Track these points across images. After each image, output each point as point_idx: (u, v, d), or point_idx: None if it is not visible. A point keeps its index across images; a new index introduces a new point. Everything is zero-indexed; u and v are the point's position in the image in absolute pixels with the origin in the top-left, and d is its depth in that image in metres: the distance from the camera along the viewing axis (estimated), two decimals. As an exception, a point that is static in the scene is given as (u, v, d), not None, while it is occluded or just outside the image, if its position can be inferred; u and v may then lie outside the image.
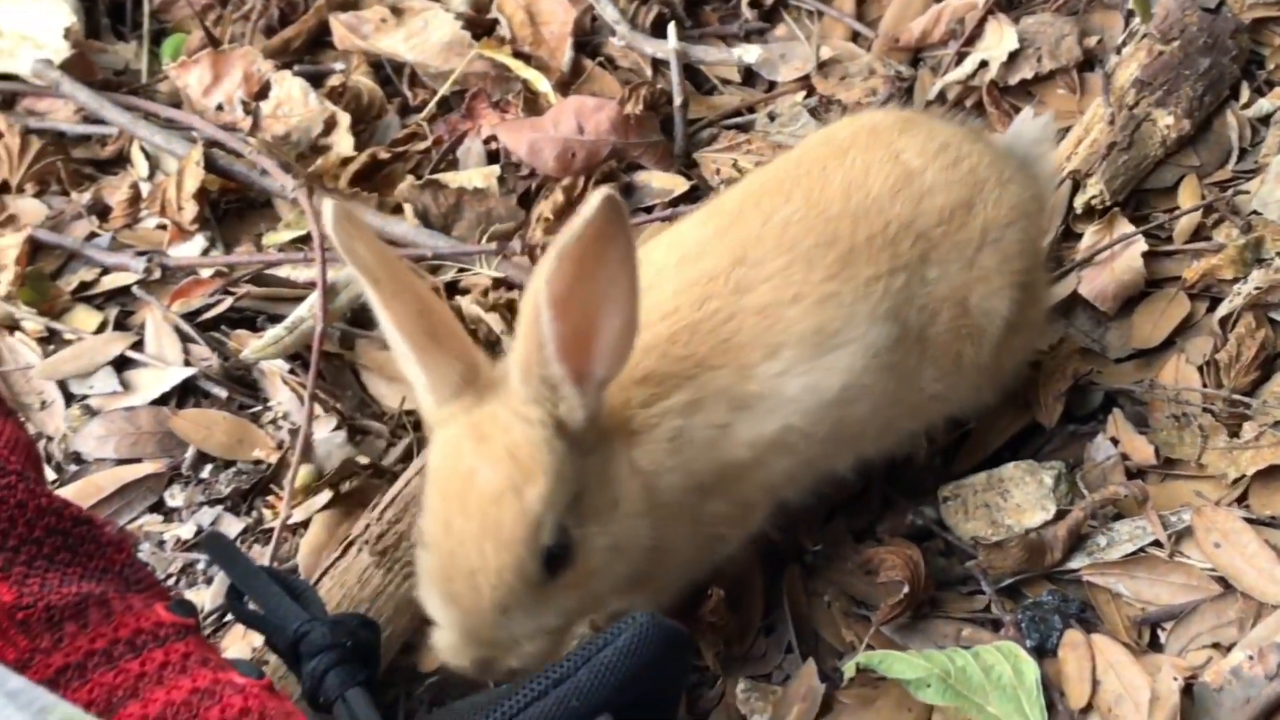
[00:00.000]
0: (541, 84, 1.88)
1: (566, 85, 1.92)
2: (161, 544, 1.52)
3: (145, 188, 1.87)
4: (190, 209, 1.80)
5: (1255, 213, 1.67)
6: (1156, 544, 1.41)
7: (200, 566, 1.51)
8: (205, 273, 1.77)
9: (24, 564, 1.06)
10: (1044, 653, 1.34)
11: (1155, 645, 1.35)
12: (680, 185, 1.82)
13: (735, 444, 1.25)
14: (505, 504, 1.10)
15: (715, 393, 1.24)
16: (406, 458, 1.56)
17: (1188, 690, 1.30)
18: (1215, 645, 1.34)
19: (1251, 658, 1.31)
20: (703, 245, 1.28)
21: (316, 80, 1.96)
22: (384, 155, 1.87)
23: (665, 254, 1.29)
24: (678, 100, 1.85)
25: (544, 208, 1.77)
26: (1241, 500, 1.45)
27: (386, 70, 2.01)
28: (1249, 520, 1.42)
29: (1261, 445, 1.47)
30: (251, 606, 1.18)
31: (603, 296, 1.12)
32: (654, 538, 1.21)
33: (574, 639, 1.26)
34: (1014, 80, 1.85)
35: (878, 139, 1.34)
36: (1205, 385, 1.54)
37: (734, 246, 1.26)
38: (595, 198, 1.06)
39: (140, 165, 1.90)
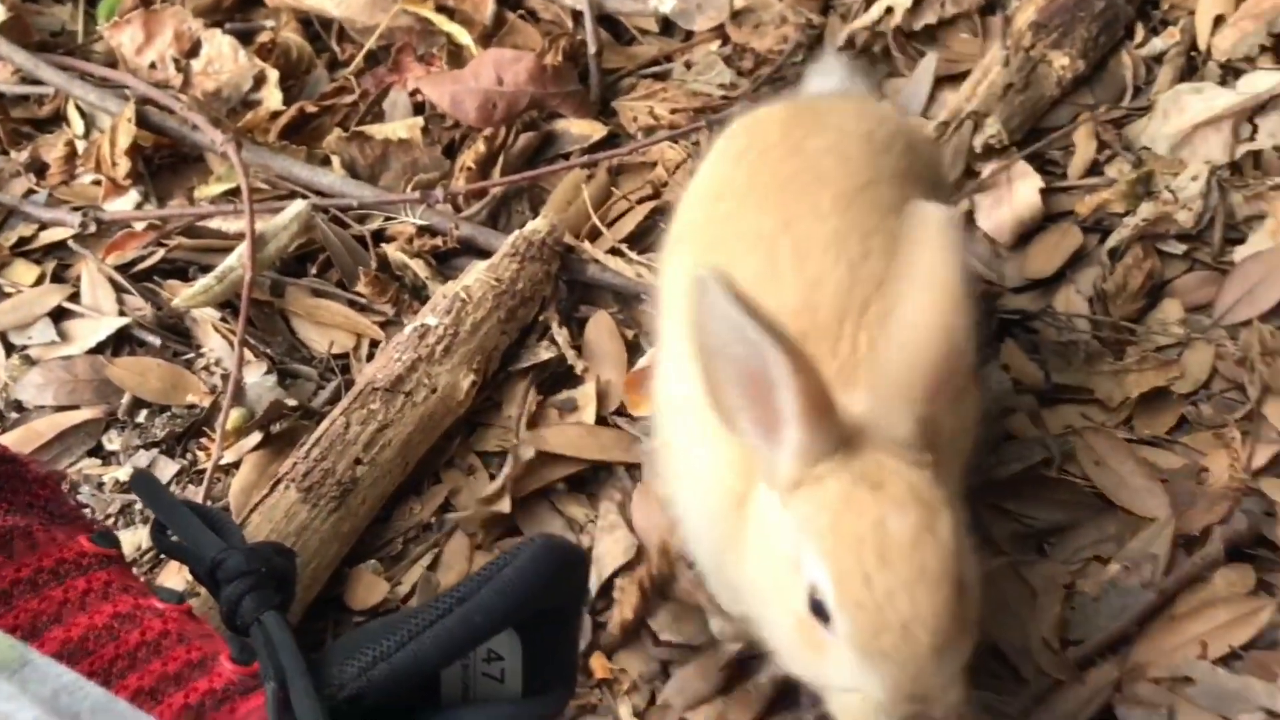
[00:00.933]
0: (464, 37, 1.94)
1: (489, 38, 1.97)
2: (100, 486, 1.58)
3: (81, 145, 1.91)
4: (124, 165, 1.85)
5: (1145, 148, 1.74)
6: (1045, 463, 1.50)
7: (138, 507, 1.57)
8: (139, 226, 1.81)
9: (-49, 501, 1.13)
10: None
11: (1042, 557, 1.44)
12: (598, 131, 1.88)
13: None
14: (925, 546, 1.06)
15: None
16: (334, 400, 1.60)
17: (1068, 599, 1.40)
18: (1096, 558, 1.42)
19: (1127, 568, 1.40)
20: None
21: (246, 38, 2.00)
22: (312, 109, 1.92)
23: None
24: (592, 49, 1.91)
25: (467, 157, 1.83)
26: (1126, 422, 1.53)
27: (315, 26, 2.05)
28: (1131, 440, 1.50)
29: (1145, 369, 1.55)
30: (175, 539, 1.25)
31: None
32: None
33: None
34: (918, 25, 1.91)
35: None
36: (1094, 313, 1.62)
37: None
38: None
39: (76, 123, 1.94)
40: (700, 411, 1.16)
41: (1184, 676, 1.32)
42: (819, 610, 1.07)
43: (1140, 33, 1.86)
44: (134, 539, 1.51)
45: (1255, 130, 1.71)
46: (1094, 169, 1.76)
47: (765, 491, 1.14)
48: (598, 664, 1.39)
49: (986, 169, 1.75)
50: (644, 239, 1.77)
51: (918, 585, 1.05)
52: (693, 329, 1.09)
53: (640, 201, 1.81)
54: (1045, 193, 1.72)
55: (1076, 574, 1.40)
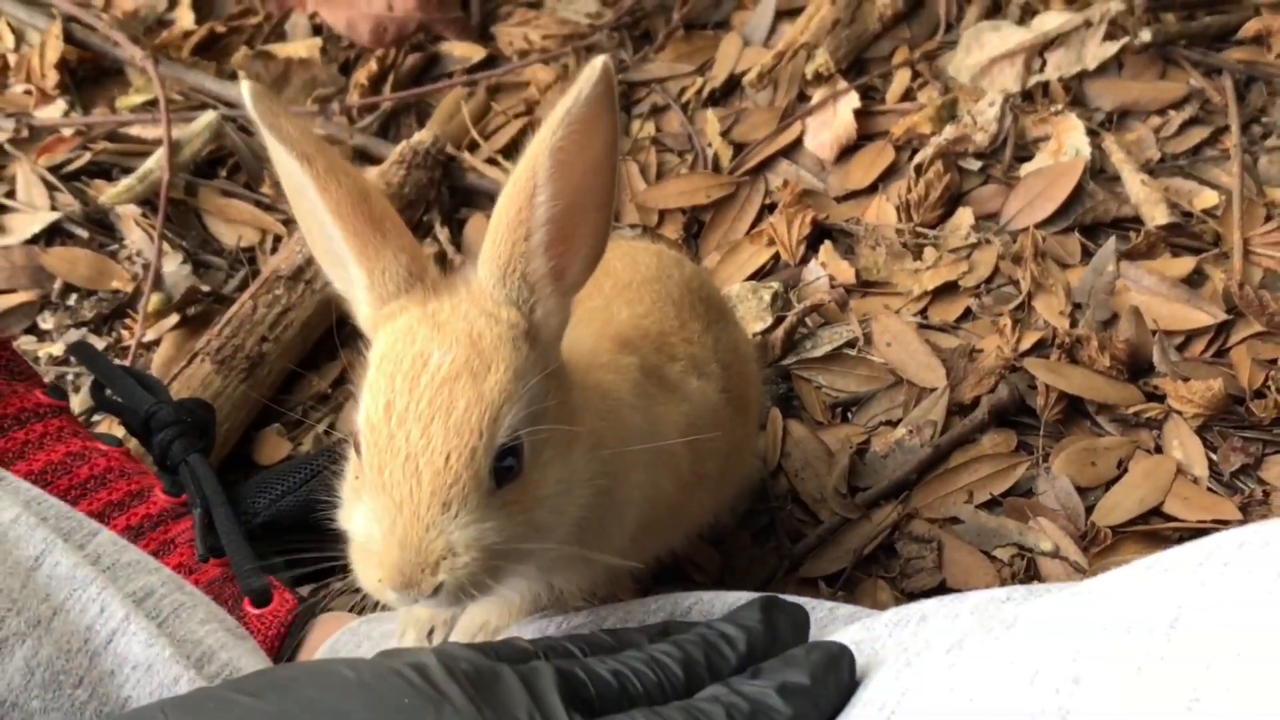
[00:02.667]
0: (358, -34, 2.16)
1: (381, -33, 2.19)
2: (36, 360, 1.78)
3: (12, 59, 2.09)
4: (52, 76, 2.03)
5: (952, 78, 2.00)
6: (850, 344, 1.75)
7: (69, 378, 1.78)
8: (67, 132, 1.99)
9: (-73, 363, 1.34)
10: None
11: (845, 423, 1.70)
12: (479, 54, 2.09)
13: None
14: (461, 386, 0.95)
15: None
16: (242, 287, 1.81)
17: (860, 455, 1.66)
18: (887, 423, 1.68)
19: (911, 431, 1.66)
20: None
21: (161, -38, 2.20)
22: (221, 29, 2.12)
23: None
24: (474, -20, 2.14)
25: (360, 75, 2.04)
26: (922, 311, 1.79)
27: (224, -46, 2.26)
28: (925, 326, 1.76)
29: (939, 267, 1.80)
30: (112, 397, 1.46)
31: (589, 182, 0.98)
32: (607, 489, 1.08)
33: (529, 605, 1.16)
34: (764, -36, 2.15)
35: None
36: (900, 220, 1.87)
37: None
38: (595, 64, 0.93)
39: (7, 38, 2.12)
40: None
41: (952, 517, 1.55)
42: (358, 446, 0.99)
43: (954, -26, 2.11)
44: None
45: (1044, 64, 1.95)
46: (908, 96, 1.99)
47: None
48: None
49: (816, 95, 1.99)
50: (517, 150, 1.98)
51: (436, 420, 0.95)
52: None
53: (515, 117, 2.02)
54: (865, 115, 1.96)
55: (869, 435, 1.67)
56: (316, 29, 2.14)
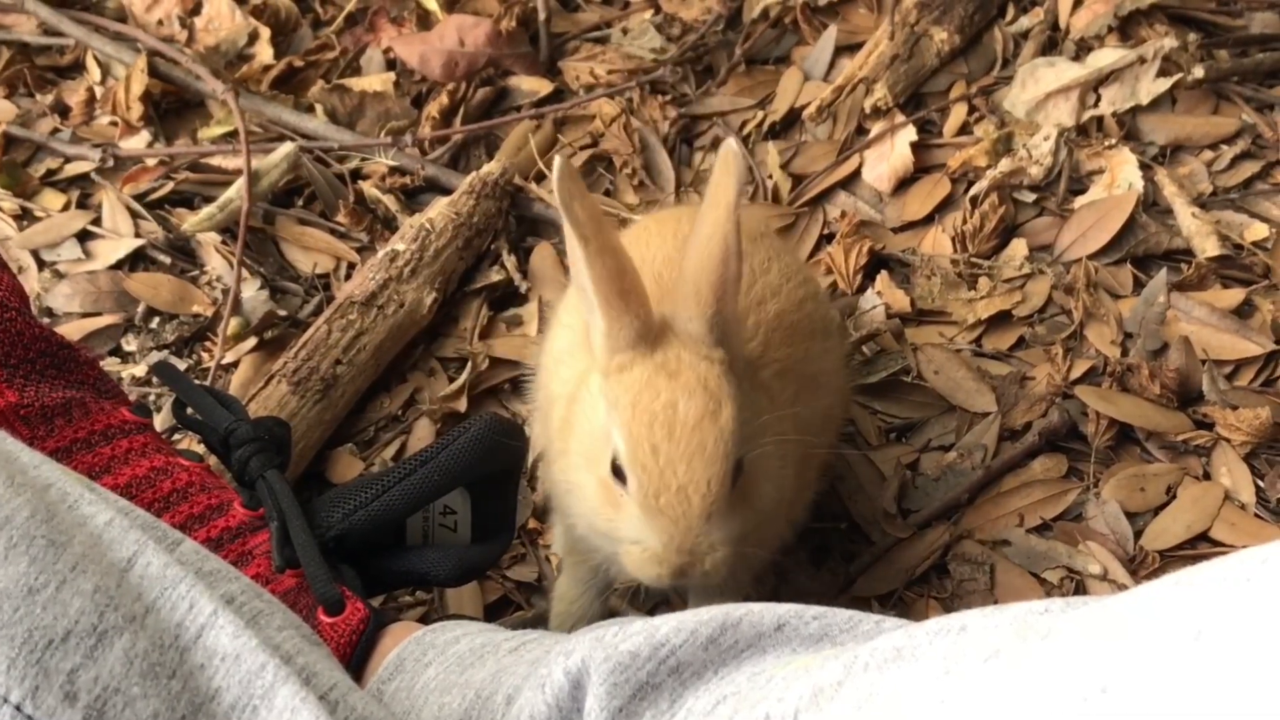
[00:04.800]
0: (431, 3, 2.21)
1: (454, 3, 2.25)
2: (120, 380, 1.85)
3: (99, 91, 2.16)
4: (137, 109, 2.11)
5: (1008, 112, 2.04)
6: (905, 371, 1.80)
7: (151, 399, 1.85)
8: (150, 162, 2.06)
9: (23, 377, 1.38)
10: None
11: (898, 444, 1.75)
12: (545, 88, 2.15)
13: None
14: (706, 425, 1.23)
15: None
16: (317, 312, 1.87)
17: (913, 479, 1.70)
18: (939, 448, 1.72)
19: (961, 455, 1.70)
20: None
21: (242, -1, 2.29)
22: (299, 63, 2.19)
23: None
24: (542, 16, 2.19)
25: (432, 108, 2.11)
26: (978, 341, 1.84)
27: (301, -10, 2.33)
28: (978, 354, 1.81)
29: (994, 297, 1.85)
30: (192, 415, 1.52)
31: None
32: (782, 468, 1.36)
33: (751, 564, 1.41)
34: (823, 2, 2.20)
35: None
36: (955, 250, 1.91)
37: None
38: (730, 146, 1.25)
39: (94, 72, 2.19)
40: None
41: (1003, 540, 1.60)
42: (618, 473, 1.26)
43: (1011, 12, 2.15)
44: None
45: (1098, 99, 2.00)
46: (964, 129, 2.03)
47: (593, 379, 1.31)
48: (530, 522, 1.69)
49: (874, 128, 2.04)
50: (582, 181, 2.05)
51: (695, 458, 1.23)
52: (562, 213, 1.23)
53: (581, 149, 2.08)
54: (922, 148, 2.01)
55: (921, 459, 1.71)
56: (390, 63, 2.21)
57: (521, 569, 1.66)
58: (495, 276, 1.93)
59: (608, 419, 1.28)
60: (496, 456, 1.44)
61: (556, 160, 1.22)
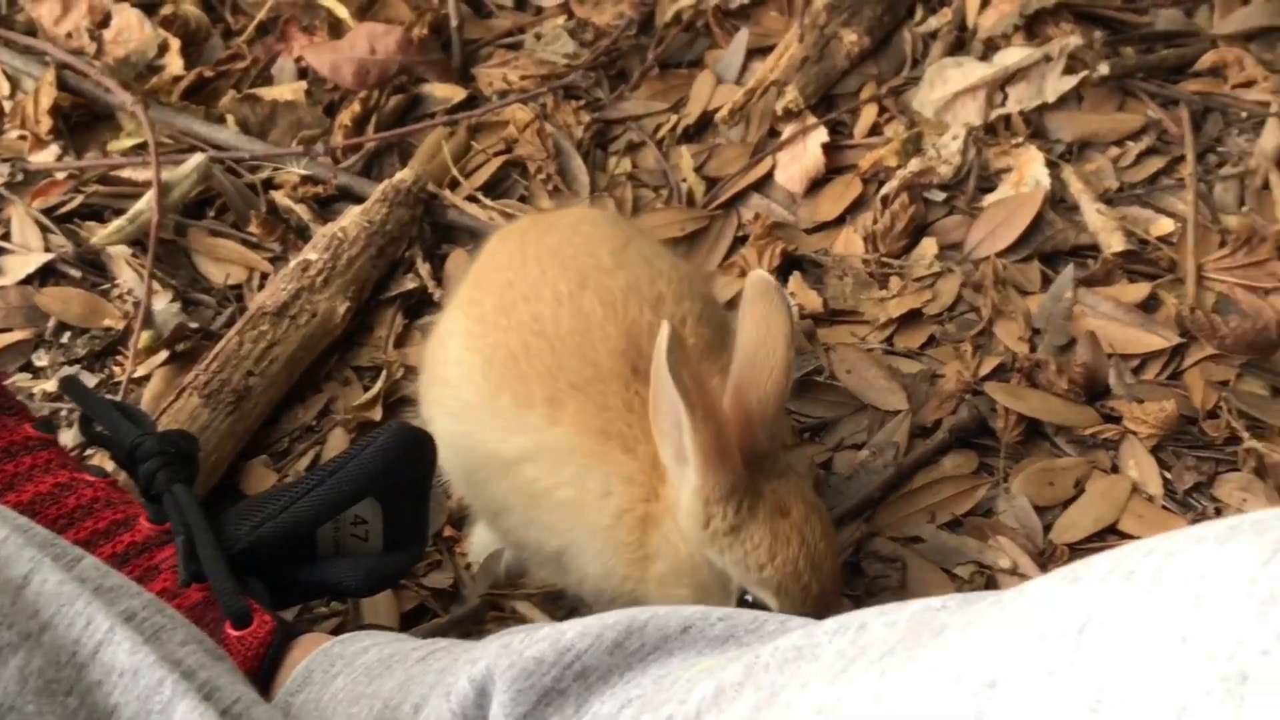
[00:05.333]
0: (342, 11, 2.20)
1: (365, 11, 2.24)
2: (31, 396, 1.83)
3: (8, 105, 2.14)
4: (46, 122, 2.08)
5: (917, 112, 2.06)
6: (818, 372, 1.81)
7: (63, 414, 1.83)
8: (60, 175, 2.04)
9: (-77, 397, 1.39)
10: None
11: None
12: (459, 94, 2.15)
13: None
14: (830, 539, 1.32)
15: None
16: (230, 323, 1.85)
17: (825, 478, 1.71)
18: (852, 446, 1.73)
19: (873, 453, 1.72)
20: None
21: (151, 10, 2.24)
22: (209, 74, 2.17)
23: None
24: (455, 23, 2.19)
25: (344, 116, 2.09)
26: (889, 340, 1.85)
27: (211, 1, 2.30)
28: (890, 353, 1.83)
29: (904, 295, 1.86)
30: (100, 430, 1.50)
31: None
32: None
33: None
34: (734, 4, 2.20)
35: None
36: (867, 251, 1.93)
37: None
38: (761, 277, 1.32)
39: (2, 86, 2.17)
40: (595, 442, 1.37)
41: (915, 537, 1.61)
42: (758, 607, 1.29)
43: (920, 13, 2.16)
44: (60, 439, 1.77)
45: (1005, 98, 2.02)
46: (875, 130, 2.05)
47: (674, 527, 1.32)
48: (446, 529, 1.69)
49: (786, 130, 2.05)
50: (497, 188, 2.04)
51: (835, 572, 1.33)
52: (655, 365, 1.24)
53: (495, 155, 2.07)
54: (833, 149, 2.01)
55: (834, 458, 1.72)
56: (302, 72, 2.19)
57: (437, 576, 1.66)
58: (410, 284, 1.93)
59: (735, 578, 1.31)
60: (406, 465, 1.44)
61: (664, 327, 1.21)
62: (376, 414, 1.79)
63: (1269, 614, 0.81)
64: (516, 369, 1.40)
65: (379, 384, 1.81)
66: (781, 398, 1.32)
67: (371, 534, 1.46)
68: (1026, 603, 0.95)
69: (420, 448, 1.46)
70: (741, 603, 1.30)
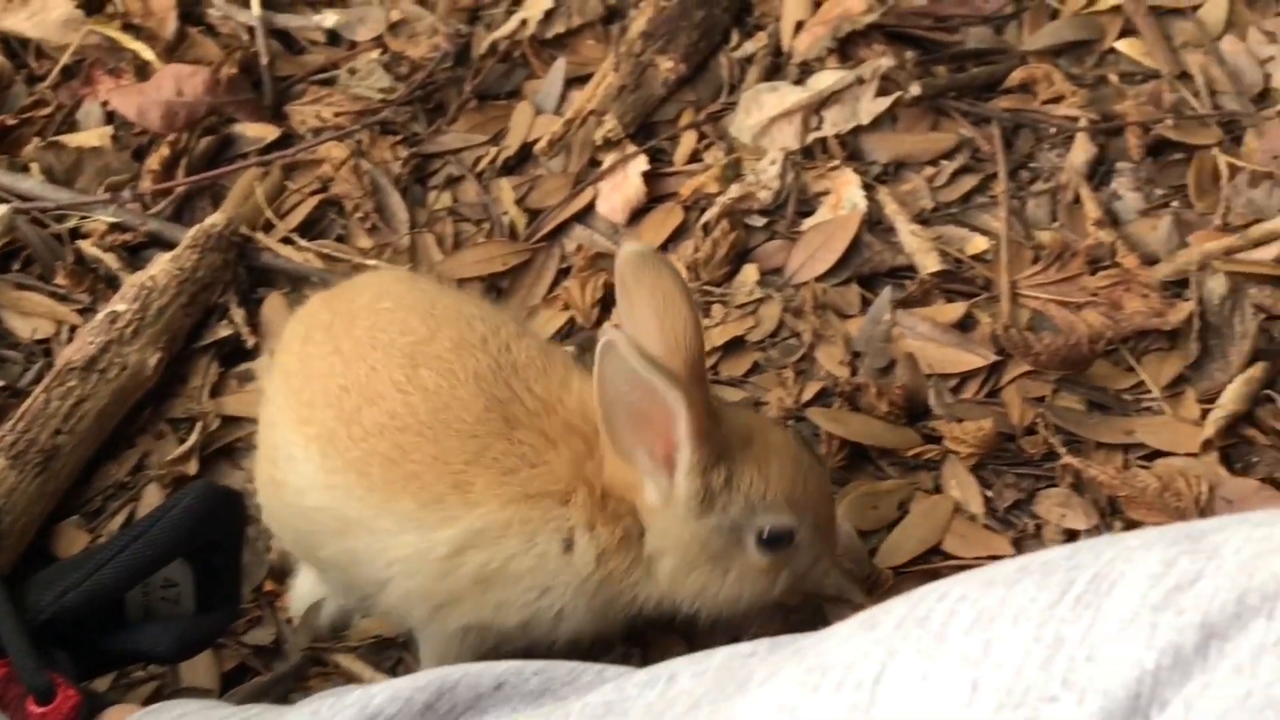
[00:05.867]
0: (148, 53, 2.14)
1: (172, 52, 2.19)
2: None
3: None
4: None
5: (735, 138, 2.05)
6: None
7: None
8: None
9: None
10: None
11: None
12: (272, 134, 2.10)
13: None
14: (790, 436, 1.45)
15: None
16: (38, 379, 1.81)
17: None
18: (679, 478, 1.73)
19: (699, 485, 1.70)
20: None
21: (-52, 58, 2.19)
22: (12, 121, 2.10)
23: None
24: (265, 60, 2.15)
25: (153, 161, 2.04)
26: (714, 368, 1.84)
27: (13, 46, 2.24)
28: (716, 381, 1.81)
29: (727, 323, 1.85)
30: None
31: None
32: None
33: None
34: (550, 34, 2.18)
35: None
36: (690, 279, 1.92)
37: None
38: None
39: None
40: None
41: None
42: (776, 542, 1.36)
43: (735, 38, 2.16)
44: None
45: (821, 121, 2.02)
46: (695, 157, 2.03)
47: (666, 524, 1.36)
48: (266, 584, 1.65)
49: (606, 160, 2.04)
50: (313, 228, 2.01)
51: (816, 460, 1.45)
52: (598, 384, 1.26)
53: (310, 195, 2.04)
54: (654, 178, 2.00)
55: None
56: (108, 117, 2.14)
57: (259, 633, 1.63)
58: (224, 331, 1.89)
59: (746, 524, 1.36)
60: (214, 524, 1.41)
61: (604, 335, 1.25)
62: (192, 467, 1.75)
63: (1055, 660, 0.81)
64: (402, 470, 1.36)
65: (194, 436, 1.77)
66: (703, 351, 1.35)
67: (183, 596, 1.42)
68: (826, 651, 0.94)
69: (228, 506, 1.43)
70: (762, 544, 1.36)
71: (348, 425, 1.38)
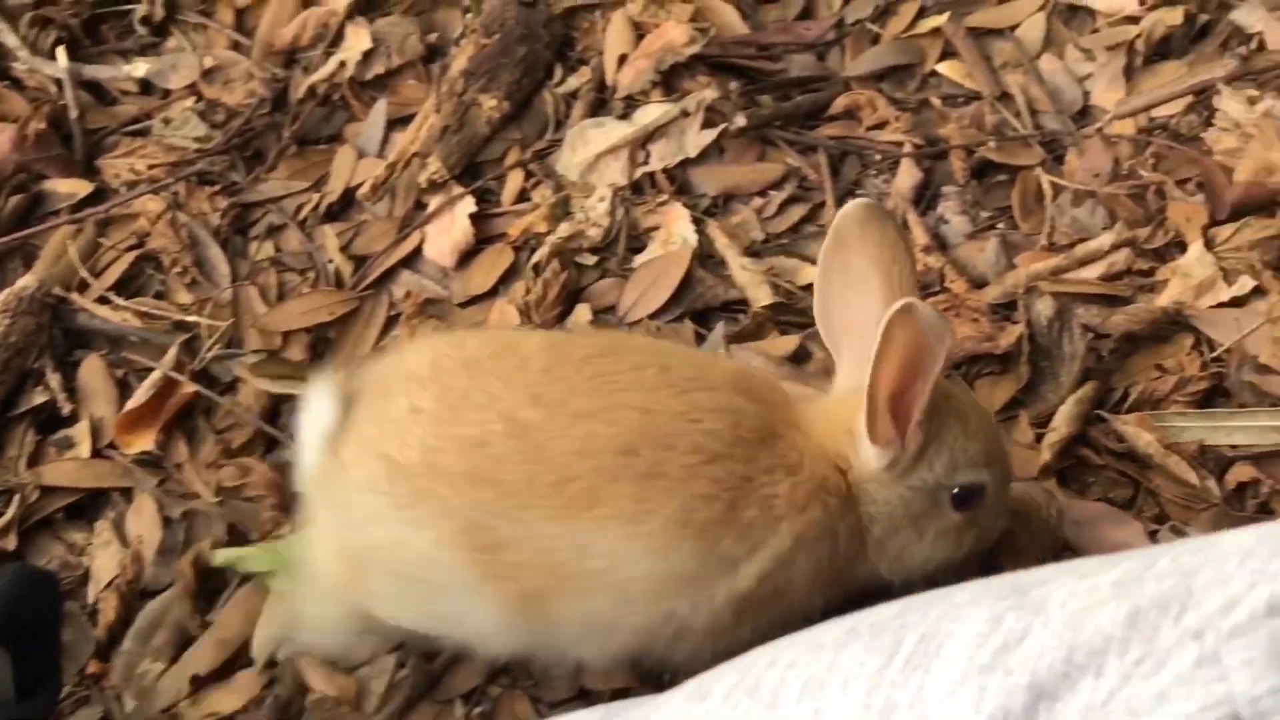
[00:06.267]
0: (-49, 111, 2.09)
1: (-24, 109, 2.12)
2: None
3: None
4: None
5: (563, 176, 2.03)
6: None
7: None
8: None
9: None
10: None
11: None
12: (85, 189, 2.03)
13: None
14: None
15: None
16: None
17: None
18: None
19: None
20: None
21: None
22: None
23: None
24: (74, 114, 2.08)
25: (-41, 223, 1.98)
26: (549, 411, 1.81)
27: None
28: (551, 426, 1.79)
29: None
30: None
31: None
32: None
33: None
34: (370, 75, 2.14)
35: None
36: (522, 322, 1.89)
37: None
38: None
39: None
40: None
41: None
42: (969, 498, 1.35)
43: (559, 73, 2.13)
44: None
45: (648, 156, 2.00)
46: (523, 196, 2.00)
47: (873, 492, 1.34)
48: (91, 665, 1.59)
49: (433, 202, 2.00)
50: (130, 285, 1.94)
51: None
52: (886, 347, 1.24)
53: (126, 251, 1.97)
54: (482, 219, 1.96)
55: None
56: (-83, 176, 2.05)
57: (86, 712, 1.56)
58: (40, 398, 1.82)
59: (945, 481, 1.35)
60: (31, 607, 1.36)
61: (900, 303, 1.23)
62: (10, 543, 1.68)
63: (885, 725, 0.79)
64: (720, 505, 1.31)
65: (11, 509, 1.70)
66: None
67: (1, 682, 1.37)
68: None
69: (45, 587, 1.38)
70: (957, 501, 1.35)
71: (653, 481, 1.29)
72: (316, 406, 1.36)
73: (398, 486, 1.31)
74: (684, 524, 1.28)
